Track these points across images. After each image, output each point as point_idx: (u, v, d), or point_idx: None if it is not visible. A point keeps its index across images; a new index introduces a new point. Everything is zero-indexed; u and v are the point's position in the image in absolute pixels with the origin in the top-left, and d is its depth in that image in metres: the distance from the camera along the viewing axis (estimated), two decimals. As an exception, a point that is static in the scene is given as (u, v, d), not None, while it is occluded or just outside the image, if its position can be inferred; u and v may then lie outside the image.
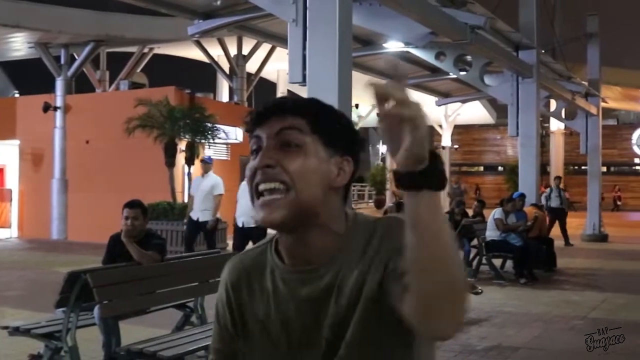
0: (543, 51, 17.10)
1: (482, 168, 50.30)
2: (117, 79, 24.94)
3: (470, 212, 14.54)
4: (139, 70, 26.14)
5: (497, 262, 12.76)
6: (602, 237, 20.84)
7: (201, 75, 34.27)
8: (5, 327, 5.90)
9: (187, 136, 17.21)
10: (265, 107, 1.51)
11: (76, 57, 22.09)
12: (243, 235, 10.72)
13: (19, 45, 23.14)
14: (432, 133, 48.65)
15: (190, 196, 12.49)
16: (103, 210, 17.06)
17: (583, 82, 21.35)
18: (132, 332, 6.24)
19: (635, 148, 46.90)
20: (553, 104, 20.67)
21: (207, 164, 12.46)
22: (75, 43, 21.61)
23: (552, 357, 7.20)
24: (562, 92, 18.58)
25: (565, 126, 32.76)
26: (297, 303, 1.50)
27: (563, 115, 22.08)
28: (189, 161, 17.01)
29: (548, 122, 37.35)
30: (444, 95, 22.78)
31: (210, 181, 12.11)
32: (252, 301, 1.57)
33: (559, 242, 16.08)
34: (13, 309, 9.32)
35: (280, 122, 1.47)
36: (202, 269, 6.71)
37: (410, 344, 1.43)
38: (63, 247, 18.36)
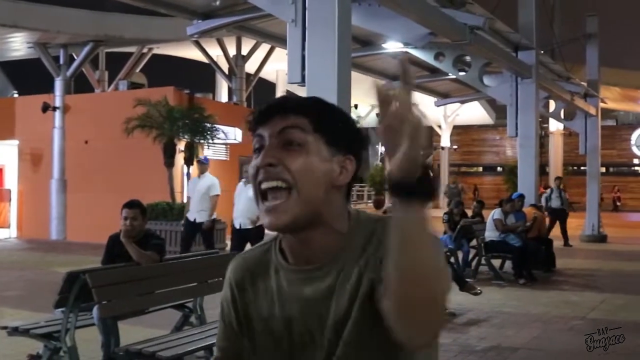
0: (542, 52, 17.10)
1: (481, 168, 50.29)
2: (116, 79, 24.92)
3: (469, 212, 14.53)
4: (138, 70, 26.12)
5: (496, 262, 12.76)
6: (601, 238, 20.84)
7: (200, 76, 34.28)
8: (4, 327, 5.89)
9: (186, 136, 17.21)
10: (267, 106, 1.51)
11: (75, 57, 22.09)
12: (241, 236, 10.71)
13: (18, 45, 23.13)
14: (432, 134, 48.70)
15: (189, 197, 12.46)
16: (102, 210, 17.05)
17: (582, 83, 21.35)
18: (131, 333, 6.24)
19: (634, 149, 46.90)
20: (552, 105, 20.67)
21: (203, 164, 12.40)
22: (74, 43, 21.60)
23: (551, 358, 7.20)
24: (561, 93, 18.58)
25: (564, 127, 32.81)
26: (300, 302, 1.50)
27: (562, 116, 22.08)
28: (188, 161, 17.00)
29: (547, 123, 37.37)
30: (443, 96, 22.77)
31: (207, 182, 12.06)
32: (257, 300, 1.57)
33: (558, 243, 16.09)
34: (12, 309, 9.31)
35: (282, 121, 1.47)
36: (201, 270, 6.71)
37: None
38: (62, 247, 18.35)
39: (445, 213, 13.65)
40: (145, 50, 25.36)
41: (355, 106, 39.08)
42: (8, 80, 35.51)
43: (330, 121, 1.49)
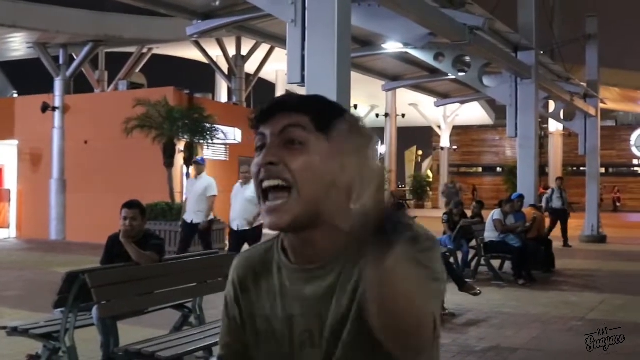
0: (542, 52, 17.10)
1: (480, 169, 50.33)
2: (115, 79, 24.94)
3: (468, 213, 14.54)
4: (137, 70, 26.14)
5: (496, 263, 12.76)
6: (601, 238, 20.85)
7: (200, 76, 34.32)
8: (4, 328, 5.88)
9: (185, 136, 17.21)
10: (270, 104, 1.51)
11: (75, 57, 22.10)
12: (238, 238, 10.69)
13: (18, 46, 23.14)
14: (431, 134, 48.71)
15: (185, 198, 12.41)
16: (101, 210, 17.05)
17: (582, 84, 21.37)
18: (130, 333, 6.23)
19: (634, 149, 46.94)
20: (552, 105, 20.68)
21: (199, 165, 12.34)
22: (73, 43, 21.61)
23: (551, 358, 7.20)
24: (560, 93, 18.59)
25: (564, 127, 32.85)
26: (301, 302, 1.50)
27: (562, 117, 22.09)
28: (188, 162, 16.99)
29: (547, 123, 37.44)
30: (443, 96, 22.79)
31: (204, 183, 11.99)
32: (259, 298, 1.57)
33: (557, 243, 16.10)
34: (11, 309, 9.31)
35: (284, 120, 1.47)
36: (200, 270, 6.71)
37: None
38: (61, 247, 18.35)
39: (444, 213, 13.65)
40: (145, 51, 25.39)
41: (355, 106, 39.16)
42: (8, 80, 35.49)
43: (332, 120, 1.49)
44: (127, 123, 16.46)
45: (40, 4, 20.47)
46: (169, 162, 16.90)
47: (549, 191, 19.70)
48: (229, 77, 24.93)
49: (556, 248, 14.51)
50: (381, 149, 39.80)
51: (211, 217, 12.10)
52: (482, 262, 12.56)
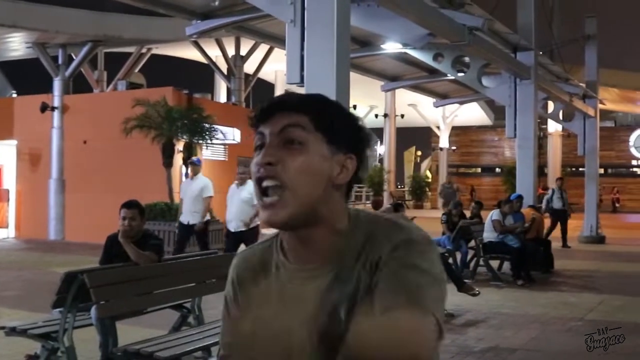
0: (541, 53, 17.11)
1: (479, 169, 50.30)
2: (114, 79, 24.92)
3: (467, 213, 14.54)
4: (136, 70, 26.13)
5: (495, 263, 12.75)
6: (600, 239, 20.85)
7: (199, 76, 34.31)
8: (2, 328, 5.88)
9: (184, 137, 17.20)
10: (269, 103, 1.51)
11: (74, 57, 22.08)
12: (235, 239, 10.68)
13: (17, 45, 23.12)
14: (430, 135, 48.75)
15: (181, 199, 12.35)
16: (100, 210, 17.04)
17: (581, 84, 21.38)
18: (129, 333, 6.23)
19: (633, 150, 46.94)
20: (551, 106, 20.69)
21: (195, 165, 12.28)
22: (72, 43, 21.60)
23: (549, 359, 7.20)
24: (559, 94, 18.60)
25: (563, 128, 32.87)
26: (299, 301, 1.50)
27: (561, 117, 22.10)
28: (187, 162, 16.99)
29: (546, 124, 37.44)
30: (442, 97, 22.79)
31: (200, 183, 11.93)
32: (258, 297, 1.57)
33: (556, 244, 16.11)
34: (10, 309, 9.30)
35: (284, 119, 1.47)
36: (199, 270, 6.71)
37: None
38: (60, 247, 18.34)
39: (443, 214, 13.66)
40: (144, 51, 25.38)
41: (354, 107, 39.15)
42: (7, 80, 35.49)
43: (332, 119, 1.49)
44: (126, 123, 16.46)
45: (39, 3, 20.45)
46: (167, 162, 16.90)
47: (549, 192, 19.70)
48: (228, 77, 24.92)
49: (555, 248, 14.52)
50: (380, 149, 39.82)
51: (207, 218, 12.07)
52: (481, 262, 12.56)
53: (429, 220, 18.22)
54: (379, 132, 42.35)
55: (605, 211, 34.09)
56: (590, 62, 22.43)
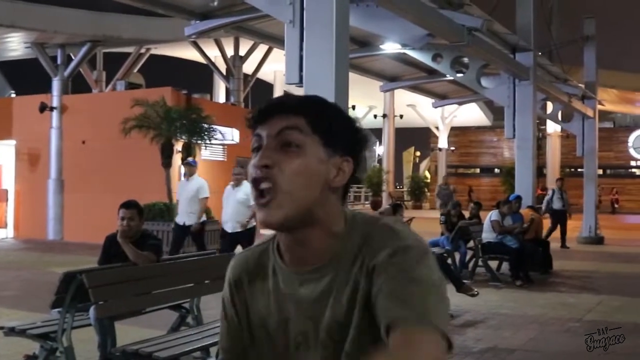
0: (540, 53, 17.12)
1: (478, 170, 50.27)
2: (113, 79, 24.92)
3: (466, 213, 14.54)
4: (135, 70, 26.13)
5: (493, 264, 12.76)
6: (598, 240, 20.85)
7: (198, 76, 34.30)
8: (1, 328, 5.88)
9: (183, 137, 17.19)
10: (267, 106, 1.51)
11: (73, 57, 22.07)
12: (231, 240, 10.67)
13: (15, 45, 23.11)
14: (429, 135, 48.75)
15: (177, 200, 12.32)
16: (99, 210, 17.03)
17: (579, 85, 21.39)
18: (127, 333, 6.23)
19: (632, 151, 46.93)
20: (550, 107, 20.69)
21: (191, 166, 12.25)
22: (71, 43, 21.59)
23: (548, 359, 7.20)
24: (558, 95, 18.61)
25: (562, 129, 32.86)
26: (296, 304, 1.50)
27: (559, 118, 22.10)
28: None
29: (544, 125, 37.45)
30: (441, 97, 22.78)
31: (195, 184, 11.91)
32: (254, 299, 1.58)
33: (555, 245, 16.12)
34: (8, 309, 9.30)
35: (281, 122, 1.47)
36: (198, 270, 6.71)
37: None
38: (59, 247, 18.33)
39: (442, 214, 13.66)
40: (143, 51, 25.39)
41: (353, 107, 39.18)
42: (5, 80, 35.48)
43: (329, 122, 1.49)
44: (125, 123, 16.45)
45: (38, 4, 20.44)
46: (166, 163, 16.89)
47: (550, 192, 19.72)
48: (227, 77, 24.91)
49: (554, 249, 14.53)
50: (379, 149, 39.82)
51: (203, 218, 12.05)
52: (480, 263, 12.56)
53: (428, 220, 18.23)
54: (377, 132, 42.36)
55: (604, 212, 34.08)
56: (589, 63, 22.43)
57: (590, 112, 21.61)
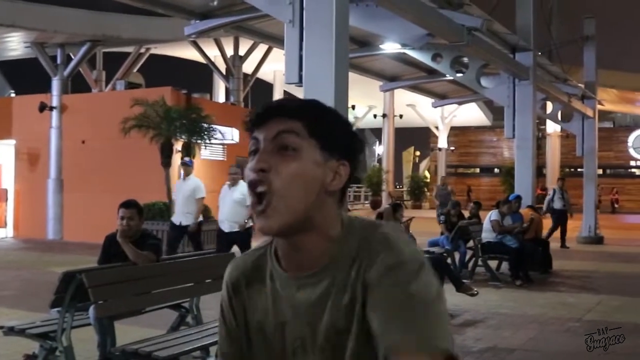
0: (540, 53, 17.12)
1: (478, 170, 50.28)
2: (113, 79, 24.92)
3: (466, 213, 14.55)
4: (135, 70, 26.13)
5: (493, 263, 12.76)
6: (598, 240, 20.85)
7: (198, 76, 34.32)
8: (0, 327, 5.88)
9: (183, 136, 17.19)
10: (264, 109, 1.51)
11: (72, 57, 22.06)
12: (228, 240, 10.67)
13: (15, 45, 23.11)
14: (429, 135, 48.75)
15: (173, 200, 12.30)
16: (99, 210, 17.03)
17: (579, 85, 21.39)
18: (127, 333, 6.23)
19: (631, 151, 46.94)
20: (549, 106, 20.69)
21: (187, 166, 12.23)
22: (71, 43, 21.59)
23: (548, 359, 7.20)
24: (558, 95, 18.60)
25: (562, 128, 32.86)
26: (293, 308, 1.50)
27: (559, 118, 22.08)
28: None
29: (544, 125, 37.47)
30: (441, 97, 22.79)
31: (191, 184, 11.90)
32: (252, 303, 1.58)
33: (555, 245, 16.12)
34: (8, 309, 9.30)
35: (278, 125, 1.47)
36: (197, 270, 6.71)
37: None
38: (59, 247, 18.33)
39: (442, 214, 13.66)
40: (142, 50, 25.39)
41: (353, 107, 39.21)
42: (5, 80, 35.50)
43: (325, 126, 1.49)
44: (124, 123, 16.44)
45: (38, 3, 20.44)
46: (166, 162, 16.87)
47: (550, 192, 19.73)
48: (226, 77, 24.92)
49: (553, 249, 14.53)
50: (379, 149, 39.82)
51: (200, 218, 12.04)
52: (480, 262, 12.56)
53: (427, 220, 18.24)
54: (377, 132, 42.40)
55: (604, 212, 34.09)
56: (589, 63, 22.43)
57: (590, 112, 21.61)
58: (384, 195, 38.46)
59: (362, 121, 45.09)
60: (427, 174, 51.56)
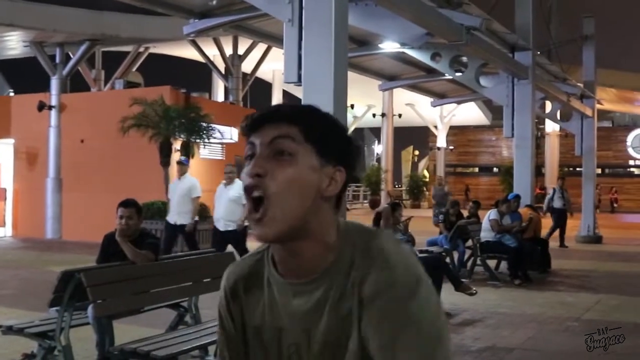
0: (539, 53, 17.12)
1: (477, 169, 50.33)
2: (112, 78, 24.90)
3: (465, 212, 14.55)
4: (134, 69, 26.11)
5: (492, 263, 12.77)
6: (597, 239, 20.86)
7: (197, 75, 34.32)
8: (-1, 326, 5.88)
9: (182, 136, 17.19)
10: (260, 114, 1.51)
11: (71, 56, 22.04)
12: (223, 238, 10.65)
13: (14, 44, 23.10)
14: (428, 134, 48.76)
15: (169, 199, 12.26)
16: (97, 209, 17.03)
17: (578, 84, 21.39)
18: (125, 332, 6.23)
19: (630, 150, 46.99)
20: (548, 106, 20.71)
21: (183, 165, 12.19)
22: (70, 42, 21.57)
23: (546, 358, 7.21)
24: (557, 94, 18.60)
25: (561, 128, 32.91)
26: (289, 315, 1.50)
27: (558, 117, 22.10)
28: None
29: (543, 124, 37.52)
30: (440, 96, 22.79)
31: (187, 183, 11.86)
32: (250, 308, 1.58)
33: (553, 244, 16.12)
34: (7, 308, 9.29)
35: (274, 130, 1.47)
36: (196, 269, 6.70)
37: None
38: (57, 246, 18.32)
39: (441, 213, 13.67)
40: (141, 50, 25.37)
41: (352, 106, 39.21)
42: (4, 79, 35.48)
43: (322, 131, 1.49)
44: (123, 122, 16.44)
45: (37, 2, 20.42)
46: (165, 162, 16.88)
47: (550, 191, 19.74)
48: (225, 76, 24.90)
49: (552, 248, 14.54)
50: (378, 148, 39.83)
51: (195, 218, 12.00)
52: (478, 262, 12.56)
53: (426, 219, 18.24)
54: (376, 131, 42.40)
55: (604, 211, 34.10)
56: (588, 62, 22.44)
57: (589, 112, 21.61)
58: (382, 194, 38.48)
59: (361, 120, 45.12)
60: (426, 173, 51.59)
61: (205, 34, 15.58)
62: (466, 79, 15.41)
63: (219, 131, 18.11)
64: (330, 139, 1.49)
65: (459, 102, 28.70)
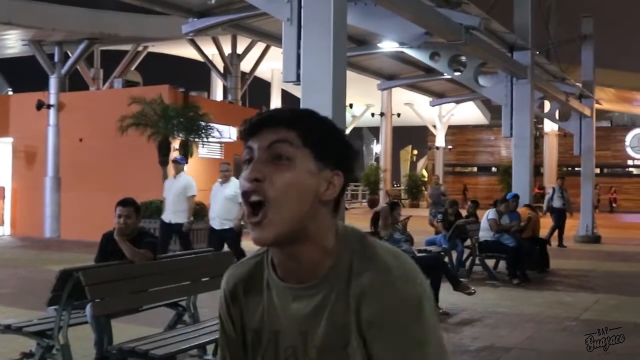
0: (537, 52, 17.12)
1: (475, 169, 50.38)
2: (111, 77, 24.92)
3: (463, 212, 14.56)
4: (133, 68, 26.11)
5: (490, 262, 12.76)
6: (595, 239, 20.87)
7: (195, 74, 34.33)
8: (-3, 325, 5.88)
9: (180, 135, 17.19)
10: (258, 118, 1.51)
11: (70, 54, 22.04)
12: (219, 237, 10.64)
13: (13, 43, 23.08)
14: (426, 134, 48.75)
15: (164, 198, 12.22)
16: (96, 208, 17.03)
17: (577, 84, 21.39)
18: (124, 331, 6.23)
19: (629, 150, 47.03)
20: (547, 105, 20.70)
21: (178, 164, 12.15)
22: (69, 41, 21.56)
23: (545, 358, 7.21)
24: (556, 94, 18.60)
25: (559, 127, 32.89)
26: (287, 318, 1.50)
27: (557, 117, 22.09)
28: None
29: (542, 124, 37.54)
30: (438, 96, 22.78)
31: (182, 182, 11.83)
32: (249, 310, 1.58)
33: (553, 244, 16.12)
34: (5, 307, 9.29)
35: (272, 134, 1.46)
36: (194, 268, 6.70)
37: None
38: (56, 245, 18.32)
39: (439, 212, 13.67)
40: (140, 49, 25.38)
41: (350, 105, 39.21)
42: (3, 78, 35.44)
43: (320, 136, 1.49)
44: (122, 121, 16.44)
45: (36, 1, 20.41)
46: (163, 160, 16.87)
47: (550, 191, 19.75)
48: (224, 75, 24.91)
49: (551, 248, 14.54)
50: (376, 148, 39.83)
51: (191, 217, 11.96)
52: (477, 261, 12.56)
53: (425, 219, 18.23)
54: (375, 130, 42.40)
55: (602, 211, 34.11)
56: (587, 62, 22.44)
57: (587, 111, 21.62)
58: (381, 193, 38.48)
59: (360, 120, 45.15)
60: (424, 172, 51.60)
61: (204, 33, 15.59)
62: (465, 78, 15.40)
63: (218, 130, 18.11)
64: (328, 143, 1.49)
65: (457, 102, 28.72)
